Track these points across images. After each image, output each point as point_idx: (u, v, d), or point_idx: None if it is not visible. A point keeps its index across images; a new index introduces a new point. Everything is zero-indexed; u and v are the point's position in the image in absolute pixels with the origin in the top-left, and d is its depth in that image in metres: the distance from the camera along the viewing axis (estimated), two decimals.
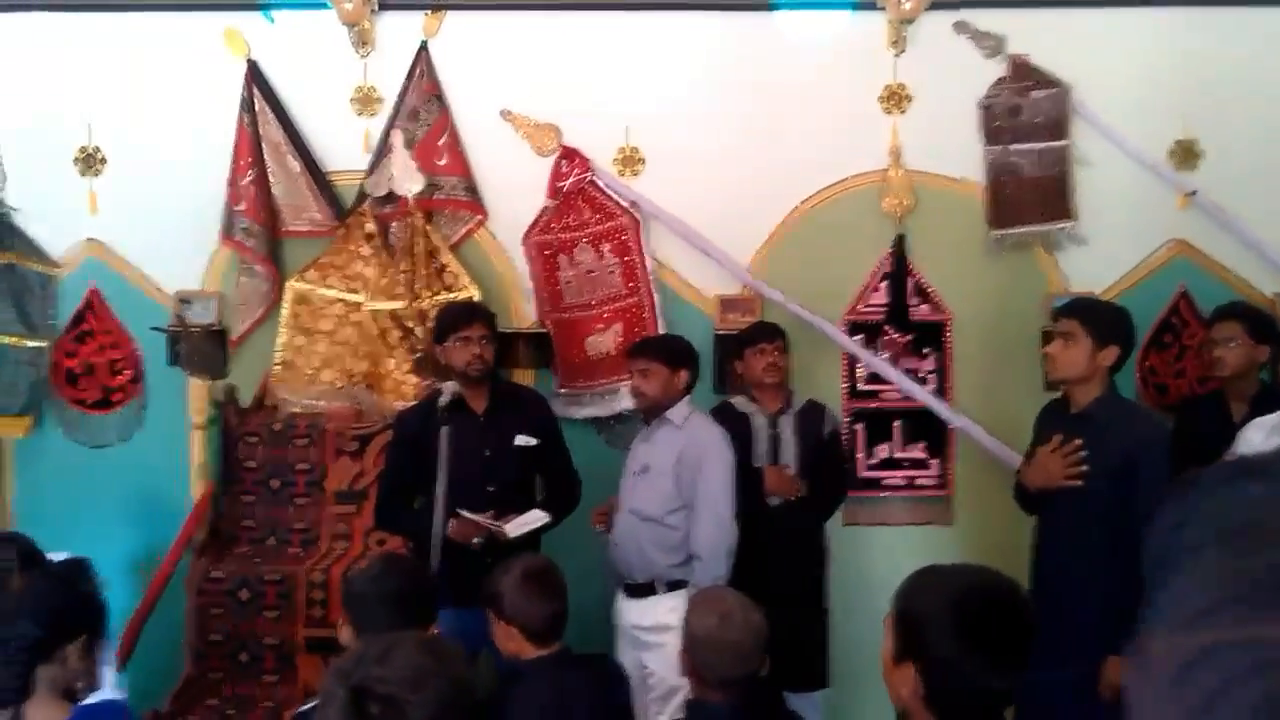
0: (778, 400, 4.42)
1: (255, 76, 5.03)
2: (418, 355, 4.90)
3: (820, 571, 4.45)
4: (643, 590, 4.08)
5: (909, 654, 1.79)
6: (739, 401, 4.46)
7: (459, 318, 4.12)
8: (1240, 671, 0.44)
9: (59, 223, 5.13)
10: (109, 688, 3.28)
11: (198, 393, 4.96)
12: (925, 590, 1.83)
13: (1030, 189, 4.94)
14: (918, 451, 5.03)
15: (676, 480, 4.04)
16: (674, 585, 4.01)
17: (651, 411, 4.19)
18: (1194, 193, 4.92)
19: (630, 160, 5.04)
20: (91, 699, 2.41)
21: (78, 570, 3.35)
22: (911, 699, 1.79)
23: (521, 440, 4.12)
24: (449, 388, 3.95)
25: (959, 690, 1.77)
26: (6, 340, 5.07)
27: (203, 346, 4.99)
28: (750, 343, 4.42)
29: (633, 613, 4.10)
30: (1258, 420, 3.54)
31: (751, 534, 4.07)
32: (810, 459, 4.38)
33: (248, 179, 4.98)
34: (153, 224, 5.05)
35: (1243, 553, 0.49)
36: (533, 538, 3.95)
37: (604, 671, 3.20)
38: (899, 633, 1.82)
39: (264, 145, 5.02)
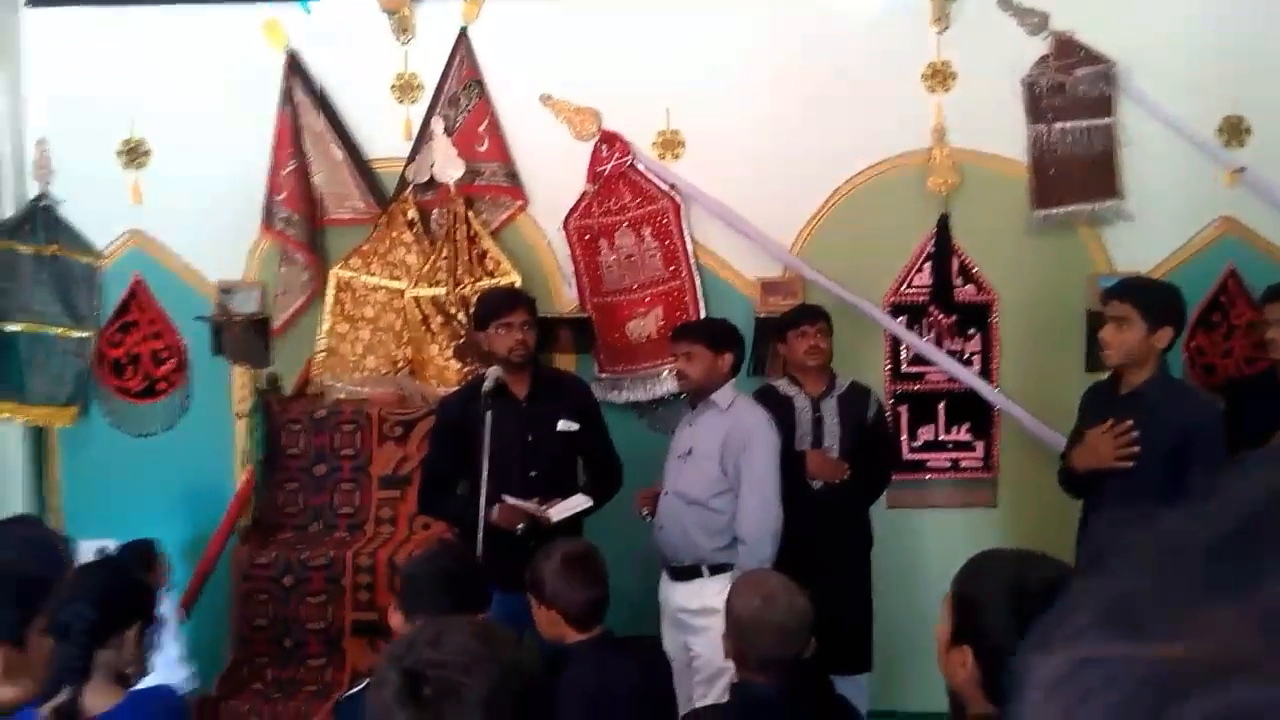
0: (820, 383, 4.38)
1: (295, 67, 5.05)
2: (460, 341, 4.91)
3: (865, 554, 4.42)
4: (688, 573, 4.07)
5: (965, 637, 1.78)
6: (782, 384, 4.43)
7: (501, 304, 4.11)
8: (1094, 685, 0.43)
9: (103, 214, 5.19)
10: (176, 665, 3.35)
11: (241, 381, 5.00)
12: (983, 574, 1.82)
13: (1075, 167, 4.86)
14: (962, 434, 4.98)
15: (721, 464, 4.02)
16: (719, 568, 4.00)
17: (696, 395, 4.17)
18: (1243, 169, 4.83)
19: (670, 143, 5.01)
20: (143, 683, 2.44)
21: (139, 554, 3.40)
22: (967, 683, 1.77)
23: (564, 425, 4.10)
24: (492, 373, 3.95)
25: (1013, 675, 1.75)
26: (52, 331, 5.14)
27: (245, 335, 5.04)
28: (793, 325, 4.38)
29: (678, 595, 4.09)
30: None
31: (795, 517, 4.04)
32: (853, 442, 4.34)
33: (288, 169, 5.02)
34: (195, 215, 5.10)
35: (1111, 570, 0.48)
36: (574, 522, 3.96)
37: (646, 654, 3.20)
38: (956, 615, 1.80)
39: (306, 134, 5.05)
